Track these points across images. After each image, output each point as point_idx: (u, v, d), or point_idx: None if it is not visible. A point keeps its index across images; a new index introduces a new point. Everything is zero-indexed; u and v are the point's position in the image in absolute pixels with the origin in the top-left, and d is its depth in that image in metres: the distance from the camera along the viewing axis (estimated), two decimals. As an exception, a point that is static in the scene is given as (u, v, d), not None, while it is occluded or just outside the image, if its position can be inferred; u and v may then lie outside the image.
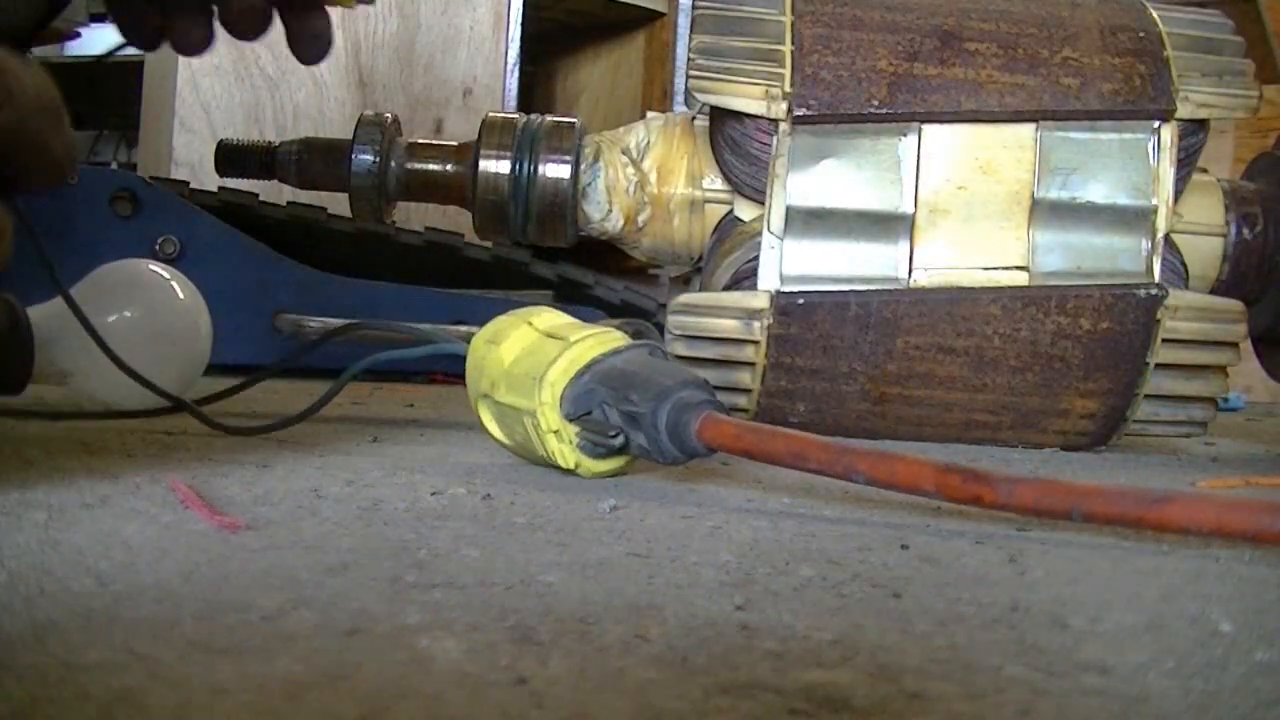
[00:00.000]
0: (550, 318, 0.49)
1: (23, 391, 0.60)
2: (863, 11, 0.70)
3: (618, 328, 0.50)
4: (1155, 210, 0.68)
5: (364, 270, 1.11)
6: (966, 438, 0.72)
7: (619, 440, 0.44)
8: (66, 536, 0.32)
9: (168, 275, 0.64)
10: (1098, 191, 0.68)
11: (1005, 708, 0.21)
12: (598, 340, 0.46)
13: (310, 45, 0.65)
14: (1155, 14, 0.71)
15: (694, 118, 0.75)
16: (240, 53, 1.30)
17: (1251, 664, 0.25)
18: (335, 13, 0.60)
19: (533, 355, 0.47)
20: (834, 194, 0.67)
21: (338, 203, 1.03)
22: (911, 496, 0.38)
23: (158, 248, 1.04)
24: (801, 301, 0.67)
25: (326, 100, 1.37)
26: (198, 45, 0.63)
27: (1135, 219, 0.68)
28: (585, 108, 1.98)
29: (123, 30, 0.62)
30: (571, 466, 0.46)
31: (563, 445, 0.46)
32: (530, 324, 0.49)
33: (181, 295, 0.63)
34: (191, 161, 1.34)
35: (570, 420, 0.45)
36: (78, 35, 1.73)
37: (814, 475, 0.40)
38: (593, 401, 0.45)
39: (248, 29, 0.62)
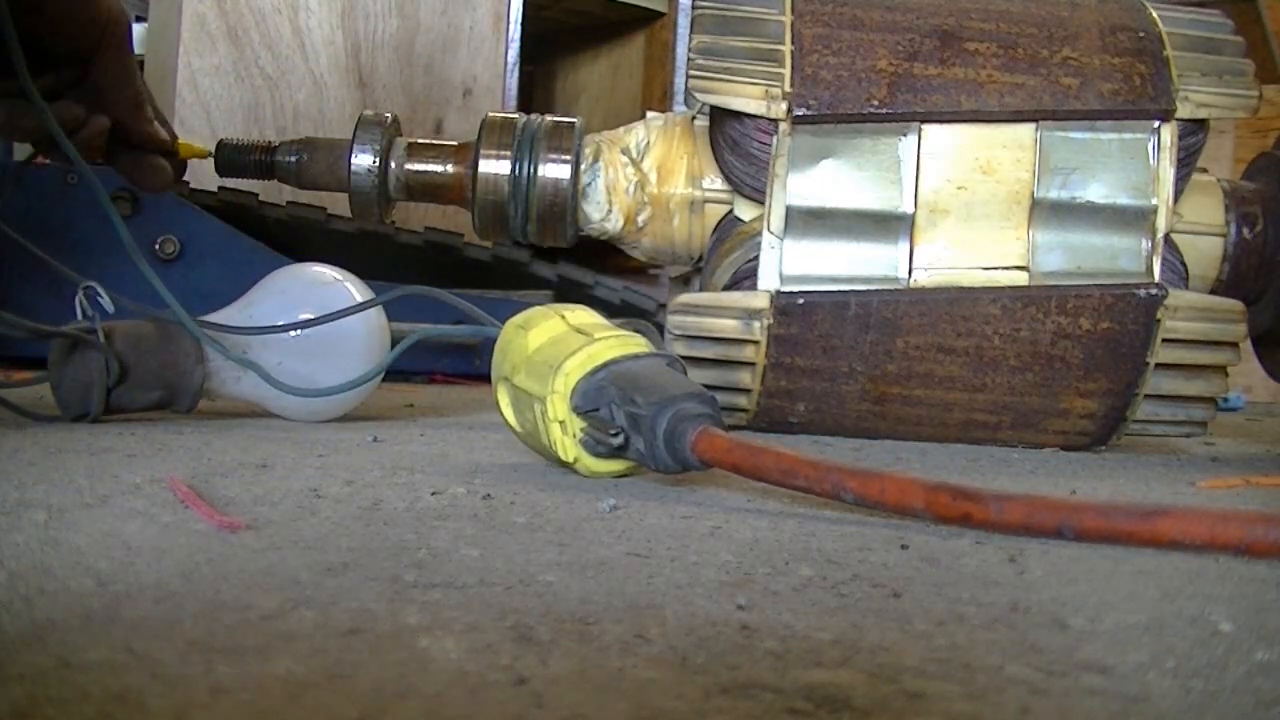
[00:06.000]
0: (583, 315, 0.51)
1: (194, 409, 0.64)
2: (862, 11, 0.70)
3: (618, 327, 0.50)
4: (1155, 210, 0.67)
5: (364, 270, 1.11)
6: (966, 438, 0.72)
7: (619, 440, 0.44)
8: (66, 536, 0.32)
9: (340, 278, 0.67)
10: (1098, 191, 0.68)
11: (1005, 708, 0.21)
12: (620, 342, 0.47)
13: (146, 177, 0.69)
14: (1155, 14, 0.71)
15: (694, 118, 0.75)
16: (240, 53, 1.30)
17: (1251, 664, 0.25)
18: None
19: (556, 345, 0.48)
20: (834, 194, 0.67)
21: (338, 203, 1.03)
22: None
23: (158, 248, 1.04)
24: (801, 301, 0.67)
25: (326, 100, 1.37)
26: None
27: (1135, 219, 0.68)
28: (585, 108, 1.98)
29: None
30: (570, 460, 0.47)
31: (565, 437, 0.46)
32: (562, 317, 0.50)
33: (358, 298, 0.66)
34: (191, 161, 1.33)
35: (578, 413, 0.46)
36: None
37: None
38: (602, 399, 0.45)
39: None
